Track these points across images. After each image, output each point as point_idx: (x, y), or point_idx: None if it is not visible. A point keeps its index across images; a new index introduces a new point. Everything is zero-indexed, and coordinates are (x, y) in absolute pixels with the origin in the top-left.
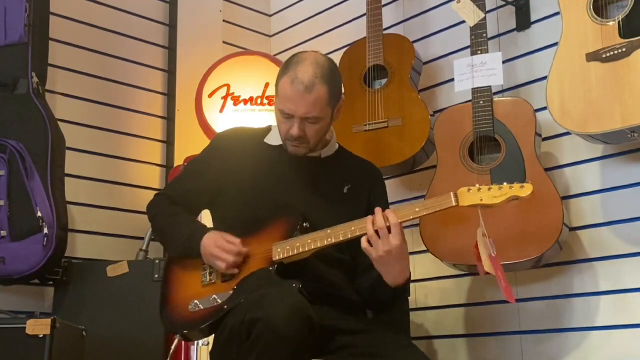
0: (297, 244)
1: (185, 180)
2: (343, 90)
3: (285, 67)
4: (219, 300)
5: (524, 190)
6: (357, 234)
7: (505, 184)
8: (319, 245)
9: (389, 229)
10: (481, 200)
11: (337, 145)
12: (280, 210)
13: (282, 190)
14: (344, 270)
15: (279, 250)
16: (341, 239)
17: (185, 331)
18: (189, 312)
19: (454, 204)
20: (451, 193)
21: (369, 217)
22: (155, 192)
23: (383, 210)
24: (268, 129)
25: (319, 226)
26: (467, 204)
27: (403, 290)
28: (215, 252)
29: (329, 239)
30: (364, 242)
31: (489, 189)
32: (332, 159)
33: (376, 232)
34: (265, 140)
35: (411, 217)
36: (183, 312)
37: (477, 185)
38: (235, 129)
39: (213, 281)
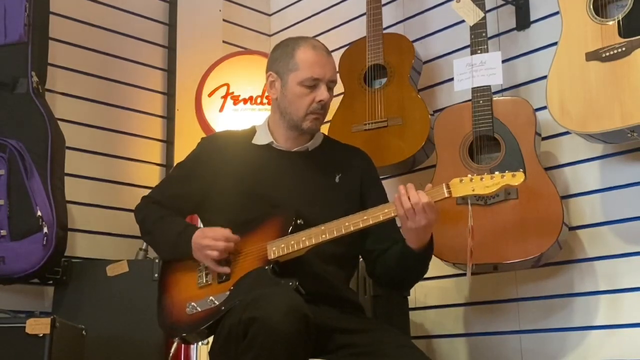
0: (292, 242)
1: (173, 184)
2: None
3: (294, 44)
4: (216, 301)
5: (516, 178)
6: (352, 229)
7: (497, 173)
8: (313, 242)
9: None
10: (473, 190)
11: (322, 136)
12: (274, 209)
13: (274, 188)
14: (341, 266)
15: (274, 249)
16: (335, 235)
17: (184, 334)
18: (187, 315)
19: (446, 195)
20: (443, 184)
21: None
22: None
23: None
24: (253, 131)
25: (314, 219)
26: (460, 194)
27: (430, 249)
28: (205, 242)
29: (324, 236)
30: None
31: (481, 178)
32: (319, 150)
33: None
34: (253, 141)
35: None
36: (181, 315)
37: (469, 176)
38: (220, 132)
39: (209, 282)
